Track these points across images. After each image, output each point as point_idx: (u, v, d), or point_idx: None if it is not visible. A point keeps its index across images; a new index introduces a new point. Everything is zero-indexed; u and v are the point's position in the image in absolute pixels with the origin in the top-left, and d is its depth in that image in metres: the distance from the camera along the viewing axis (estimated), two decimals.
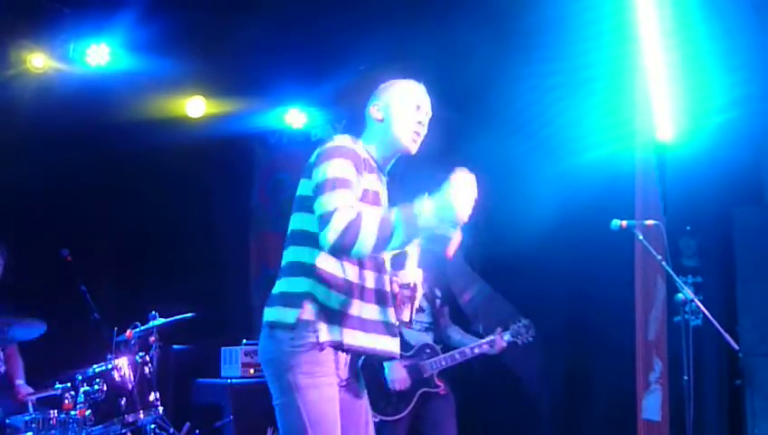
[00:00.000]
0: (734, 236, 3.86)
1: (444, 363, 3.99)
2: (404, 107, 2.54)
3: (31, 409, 3.94)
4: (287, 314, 2.36)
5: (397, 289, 2.53)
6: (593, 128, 4.36)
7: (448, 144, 5.10)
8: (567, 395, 4.72)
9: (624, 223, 3.65)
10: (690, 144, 4.15)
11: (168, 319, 4.29)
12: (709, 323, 3.36)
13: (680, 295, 3.51)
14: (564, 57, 4.42)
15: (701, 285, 4.28)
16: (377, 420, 3.85)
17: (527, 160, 4.67)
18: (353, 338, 2.38)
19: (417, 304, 2.57)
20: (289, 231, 2.48)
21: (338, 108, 6.07)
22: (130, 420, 3.92)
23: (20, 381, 4.26)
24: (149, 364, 4.10)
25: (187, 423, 4.27)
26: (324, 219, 2.26)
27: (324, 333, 2.35)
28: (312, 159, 2.43)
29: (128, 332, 4.19)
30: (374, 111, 2.57)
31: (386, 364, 3.91)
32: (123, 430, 3.96)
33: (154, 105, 5.78)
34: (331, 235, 2.23)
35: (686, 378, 3.45)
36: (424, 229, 2.29)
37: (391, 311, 2.49)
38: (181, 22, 5.04)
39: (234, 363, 5.12)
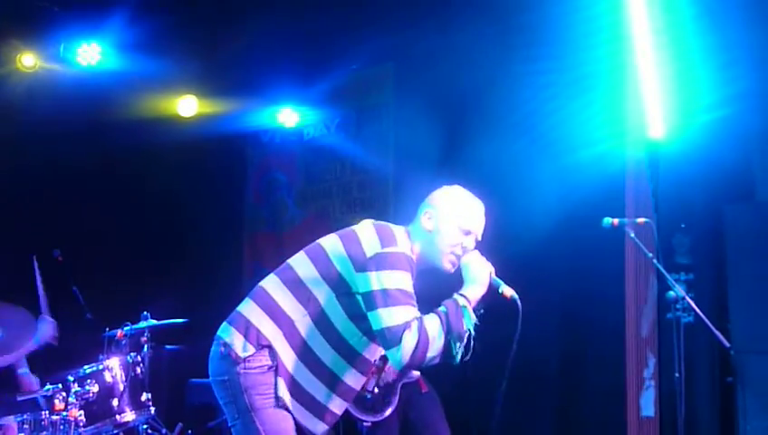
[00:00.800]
0: (724, 233, 3.90)
1: None
2: (454, 228, 2.45)
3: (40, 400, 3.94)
4: (246, 347, 2.36)
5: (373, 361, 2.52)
6: (586, 126, 4.39)
7: (448, 145, 5.17)
8: (558, 391, 4.75)
9: (615, 221, 3.68)
10: (681, 142, 4.19)
11: (160, 322, 4.30)
12: (701, 320, 3.39)
13: (671, 293, 3.54)
14: (557, 56, 4.47)
15: (693, 283, 4.31)
16: (368, 424, 3.90)
17: (521, 157, 4.70)
18: (293, 407, 2.37)
19: (382, 375, 2.73)
20: (295, 274, 2.42)
21: (331, 107, 6.09)
22: (122, 420, 3.93)
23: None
24: (141, 364, 4.11)
25: (180, 424, 4.29)
26: (393, 337, 2.24)
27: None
28: (368, 250, 2.34)
29: (119, 332, 4.20)
30: (425, 218, 2.48)
31: None
32: (115, 431, 3.97)
33: (146, 104, 5.80)
34: (404, 356, 2.22)
35: (677, 375, 3.48)
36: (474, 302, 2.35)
37: (343, 405, 2.46)
38: (172, 21, 5.06)
39: None
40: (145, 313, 4.32)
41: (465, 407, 4.79)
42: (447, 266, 2.46)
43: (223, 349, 2.40)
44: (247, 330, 2.40)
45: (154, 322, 4.31)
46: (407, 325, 2.23)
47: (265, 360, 2.36)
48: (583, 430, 4.61)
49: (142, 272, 5.81)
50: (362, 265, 2.33)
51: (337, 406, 2.45)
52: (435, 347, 2.25)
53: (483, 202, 2.52)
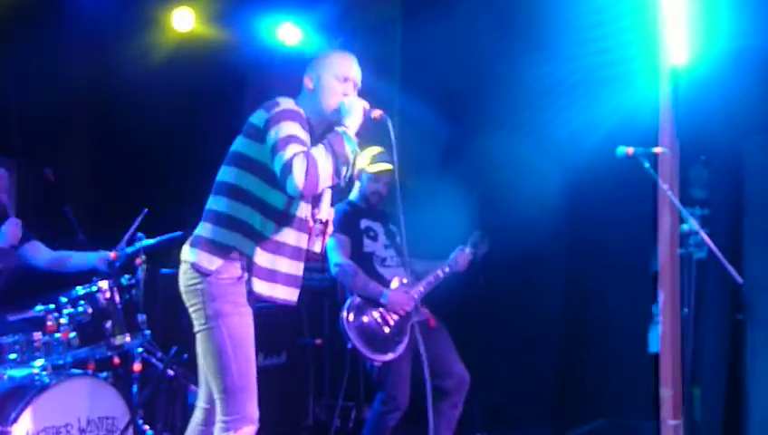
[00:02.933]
0: (744, 166, 3.87)
1: (423, 289, 4.19)
2: (332, 78, 2.92)
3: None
4: (212, 261, 2.82)
5: (311, 223, 2.98)
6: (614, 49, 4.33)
7: (460, 67, 5.09)
8: (578, 329, 4.80)
9: (630, 150, 3.66)
10: (702, 70, 4.10)
11: (155, 239, 4.33)
12: (714, 256, 3.40)
13: (685, 226, 3.54)
14: None
15: (708, 218, 4.31)
16: (378, 364, 4.01)
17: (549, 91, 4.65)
18: (261, 287, 2.85)
19: (327, 238, 3.02)
20: (218, 181, 2.95)
21: (333, 25, 5.97)
22: (117, 343, 4.01)
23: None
24: (136, 287, 4.17)
25: (175, 347, 4.36)
26: (285, 169, 2.68)
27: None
28: (259, 122, 2.83)
29: (112, 253, 4.24)
30: (307, 80, 2.97)
31: (384, 292, 4.08)
32: (109, 353, 4.05)
33: (137, 16, 5.69)
34: (297, 180, 2.66)
35: (685, 310, 3.52)
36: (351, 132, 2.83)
37: (300, 265, 2.96)
38: None
39: None
40: (140, 234, 4.34)
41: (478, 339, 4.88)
42: (332, 119, 2.90)
43: (191, 267, 2.86)
44: (210, 245, 2.84)
45: (149, 241, 4.33)
46: (295, 155, 2.68)
47: (234, 271, 2.81)
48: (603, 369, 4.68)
49: (137, 193, 5.82)
50: (261, 134, 2.80)
51: (293, 267, 2.92)
52: (324, 169, 2.71)
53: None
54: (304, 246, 2.96)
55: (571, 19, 4.55)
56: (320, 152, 2.73)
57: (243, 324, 2.81)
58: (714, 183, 4.34)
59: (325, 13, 5.86)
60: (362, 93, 5.90)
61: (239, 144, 2.92)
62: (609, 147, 3.89)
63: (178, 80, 5.95)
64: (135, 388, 4.18)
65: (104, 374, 4.03)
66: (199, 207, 6.01)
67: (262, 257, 2.84)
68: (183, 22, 5.93)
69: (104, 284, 4.04)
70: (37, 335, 3.84)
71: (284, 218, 2.87)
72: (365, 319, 4.08)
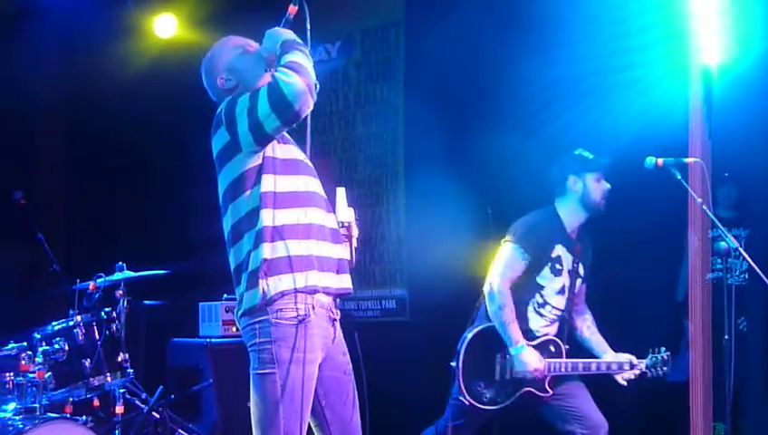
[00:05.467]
0: None
1: (564, 370, 3.83)
2: (245, 61, 2.80)
3: None
4: (267, 291, 2.59)
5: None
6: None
7: (467, 70, 5.10)
8: None
9: (660, 161, 3.64)
10: (740, 71, 4.07)
11: (138, 273, 4.30)
12: (753, 280, 3.36)
13: (723, 244, 3.51)
14: None
15: (744, 238, 4.28)
16: (467, 403, 3.74)
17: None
18: (318, 280, 2.62)
19: (355, 245, 2.79)
20: (222, 201, 2.72)
21: (332, 27, 5.98)
22: (96, 383, 3.95)
23: None
24: (117, 321, 4.13)
25: (161, 387, 4.32)
26: (272, 92, 2.55)
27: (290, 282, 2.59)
28: (223, 140, 2.66)
29: (91, 284, 4.21)
30: (222, 83, 2.81)
31: (521, 344, 3.76)
32: (88, 395, 4.00)
33: (119, 25, 5.71)
34: (292, 84, 2.53)
35: (726, 337, 3.47)
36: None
37: (334, 248, 2.71)
38: None
39: (213, 321, 5.17)
40: (120, 263, 4.31)
41: None
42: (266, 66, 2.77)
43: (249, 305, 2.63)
44: (249, 275, 2.62)
45: (130, 274, 4.30)
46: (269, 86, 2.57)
47: (292, 311, 2.58)
48: None
49: (117, 218, 5.81)
50: (220, 124, 2.67)
51: (330, 251, 2.68)
52: (308, 70, 2.60)
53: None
54: (328, 223, 2.73)
55: (587, 18, 4.54)
56: (296, 55, 2.66)
57: (301, 376, 2.60)
58: (750, 198, 4.31)
59: (319, 16, 5.85)
60: (363, 96, 5.95)
61: (216, 144, 2.77)
62: (631, 156, 3.87)
63: (160, 91, 5.94)
64: (117, 433, 4.11)
65: (83, 418, 3.96)
66: (187, 231, 6.04)
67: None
68: (165, 28, 5.94)
69: (82, 318, 4.01)
70: (9, 376, 3.79)
71: (299, 199, 2.69)
72: (486, 350, 3.81)
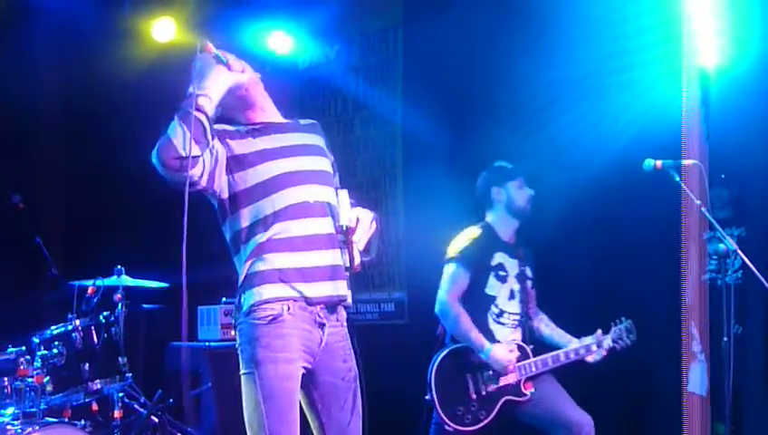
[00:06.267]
0: None
1: (535, 369, 3.91)
2: (221, 78, 2.76)
3: None
4: (250, 295, 2.67)
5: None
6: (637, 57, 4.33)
7: (464, 76, 5.11)
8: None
9: (659, 163, 3.64)
10: (738, 72, 4.09)
11: (136, 281, 4.31)
12: (749, 279, 3.37)
13: (722, 246, 3.52)
14: None
15: (737, 237, 4.29)
16: (451, 429, 3.78)
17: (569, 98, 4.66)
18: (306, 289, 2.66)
19: (359, 248, 2.73)
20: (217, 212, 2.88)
21: (329, 31, 5.99)
22: (95, 387, 3.97)
23: None
24: (115, 325, 4.14)
25: (160, 391, 4.33)
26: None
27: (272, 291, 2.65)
28: None
29: (90, 288, 4.21)
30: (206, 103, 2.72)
31: (487, 347, 3.83)
32: (87, 399, 4.01)
33: (116, 29, 5.71)
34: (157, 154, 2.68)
35: (725, 340, 3.48)
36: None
37: (323, 255, 2.71)
38: None
39: (212, 325, 5.17)
40: (119, 267, 4.33)
41: None
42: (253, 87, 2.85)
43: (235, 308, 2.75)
44: (238, 288, 2.72)
45: (129, 279, 4.31)
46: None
47: (269, 309, 2.62)
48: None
49: (115, 220, 5.81)
50: None
51: (317, 260, 2.69)
52: (176, 134, 2.64)
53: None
54: (322, 230, 2.73)
55: (584, 20, 4.55)
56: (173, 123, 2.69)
57: (278, 375, 2.63)
58: (746, 197, 4.32)
59: (319, 19, 5.87)
60: (361, 100, 5.95)
61: None
62: (628, 158, 3.87)
63: (160, 95, 5.92)
64: None
65: (81, 423, 3.97)
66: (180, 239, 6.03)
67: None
68: (163, 32, 5.94)
69: (80, 322, 4.01)
70: (7, 380, 3.80)
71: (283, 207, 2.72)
72: (455, 375, 3.88)
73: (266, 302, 2.63)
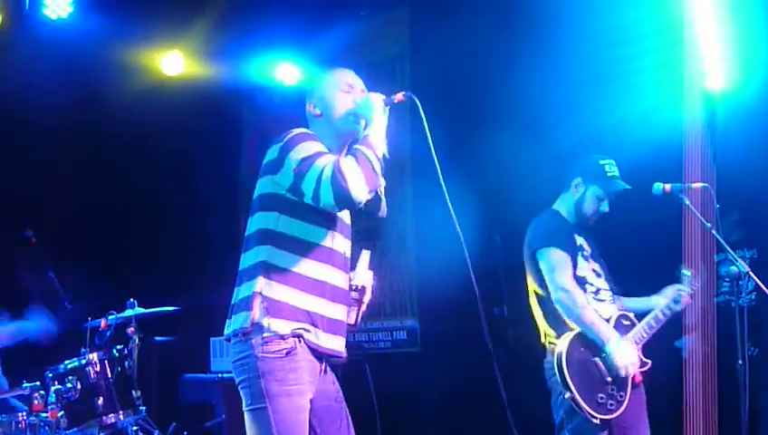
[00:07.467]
0: None
1: (645, 335, 3.69)
2: (337, 93, 2.84)
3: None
4: (260, 324, 2.62)
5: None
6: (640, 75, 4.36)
7: (471, 104, 5.15)
8: None
9: (668, 186, 3.65)
10: (745, 96, 4.12)
11: (148, 310, 4.33)
12: (762, 300, 3.37)
13: (734, 268, 3.52)
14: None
15: (749, 259, 4.30)
16: (597, 421, 3.51)
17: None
18: (314, 337, 2.65)
19: (363, 309, 2.79)
20: (249, 235, 2.78)
21: (336, 61, 6.05)
22: (109, 421, 3.98)
23: None
24: (129, 359, 4.16)
25: (174, 424, 4.34)
26: (319, 181, 2.57)
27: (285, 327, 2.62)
28: (272, 155, 2.71)
29: (102, 322, 4.24)
30: (310, 108, 2.87)
31: (608, 349, 3.55)
32: (101, 434, 4.02)
33: (124, 63, 5.79)
34: (337, 185, 2.54)
35: (740, 362, 3.47)
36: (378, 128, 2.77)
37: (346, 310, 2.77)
38: None
39: (225, 356, 5.18)
40: (131, 300, 4.35)
41: None
42: (354, 128, 2.81)
43: (240, 335, 2.64)
44: (247, 307, 2.65)
45: (141, 310, 4.34)
46: (326, 165, 2.58)
47: (283, 343, 2.61)
48: None
49: (126, 254, 5.85)
50: (273, 166, 2.69)
51: (322, 308, 2.69)
52: (362, 169, 2.60)
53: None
54: (345, 284, 2.76)
55: (586, 38, 4.60)
56: (349, 160, 2.62)
57: (293, 408, 2.61)
58: (758, 220, 4.33)
59: (325, 49, 5.94)
60: None
61: (258, 188, 2.79)
62: (632, 179, 3.86)
63: (169, 128, 6.01)
64: None
65: None
66: (197, 265, 6.07)
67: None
68: (172, 66, 6.02)
69: (94, 356, 4.03)
70: (22, 416, 3.82)
71: (324, 254, 2.70)
72: (585, 363, 3.56)
73: (281, 337, 2.61)
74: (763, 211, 4.25)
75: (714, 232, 3.65)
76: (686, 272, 3.83)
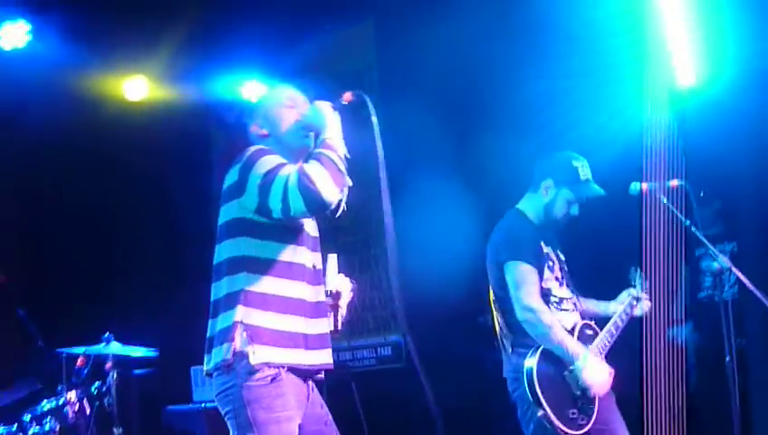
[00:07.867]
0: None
1: (608, 343, 3.66)
2: (280, 109, 2.83)
3: None
4: (241, 354, 2.58)
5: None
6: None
7: (442, 114, 5.15)
8: None
9: (645, 185, 3.64)
10: (713, 92, 4.14)
11: (125, 348, 4.27)
12: (745, 292, 3.37)
13: (715, 264, 3.51)
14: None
15: (729, 253, 4.31)
16: None
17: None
18: (301, 357, 2.64)
19: (342, 313, 2.78)
20: (218, 265, 2.72)
21: (303, 76, 6.02)
22: None
23: None
24: (108, 395, 4.09)
25: None
26: (286, 192, 2.54)
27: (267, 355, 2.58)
28: (233, 177, 2.69)
29: (79, 359, 4.17)
30: (256, 129, 2.85)
31: (577, 365, 3.49)
32: None
33: (86, 90, 5.71)
34: (307, 192, 2.51)
35: (728, 359, 3.46)
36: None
37: (309, 323, 2.71)
38: None
39: (207, 385, 5.11)
40: (107, 334, 4.28)
41: None
42: (307, 142, 2.78)
43: (222, 367, 2.60)
44: (227, 338, 2.60)
45: (118, 345, 4.27)
46: (290, 174, 2.55)
47: (268, 370, 2.57)
48: None
49: (99, 285, 5.76)
50: (236, 189, 2.67)
51: (304, 326, 2.67)
52: (328, 173, 2.57)
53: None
54: (312, 298, 2.73)
55: (568, 39, 4.61)
56: (313, 163, 2.59)
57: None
58: (737, 213, 4.34)
59: (291, 65, 5.91)
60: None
61: (222, 215, 2.76)
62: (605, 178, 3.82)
63: (139, 153, 5.94)
64: None
65: None
66: (170, 296, 5.99)
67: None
68: (135, 91, 5.96)
69: (72, 395, 3.98)
70: None
71: (291, 271, 2.67)
72: (554, 379, 3.49)
73: (265, 364, 2.57)
74: (739, 204, 4.26)
75: (693, 229, 3.64)
76: (636, 274, 3.84)
